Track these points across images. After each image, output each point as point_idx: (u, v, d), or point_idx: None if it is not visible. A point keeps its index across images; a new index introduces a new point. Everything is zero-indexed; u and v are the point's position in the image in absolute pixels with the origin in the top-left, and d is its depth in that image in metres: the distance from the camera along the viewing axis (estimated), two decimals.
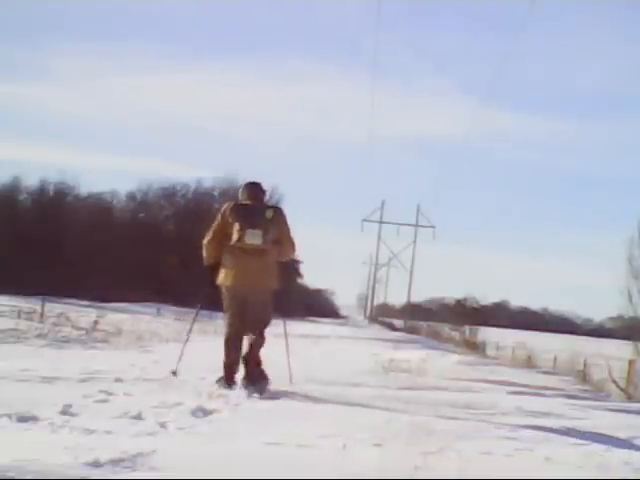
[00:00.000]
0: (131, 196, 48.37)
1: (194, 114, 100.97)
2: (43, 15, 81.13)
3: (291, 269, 41.52)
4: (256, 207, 6.26)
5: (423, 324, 49.81)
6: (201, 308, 7.04)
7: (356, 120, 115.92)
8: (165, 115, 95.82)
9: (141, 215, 48.12)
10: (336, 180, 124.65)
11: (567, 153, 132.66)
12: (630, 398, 11.30)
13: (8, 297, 23.18)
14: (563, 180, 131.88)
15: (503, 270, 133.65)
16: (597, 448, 4.45)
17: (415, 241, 59.58)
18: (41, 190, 42.68)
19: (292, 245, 6.40)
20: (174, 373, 6.36)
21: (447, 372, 10.77)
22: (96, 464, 3.24)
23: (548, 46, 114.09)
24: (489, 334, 33.23)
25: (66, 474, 3.07)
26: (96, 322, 15.96)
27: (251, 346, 6.14)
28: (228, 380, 6.03)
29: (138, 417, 4.48)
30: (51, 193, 43.11)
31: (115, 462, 3.29)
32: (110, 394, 5.28)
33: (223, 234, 6.21)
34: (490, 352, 25.39)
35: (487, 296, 58.98)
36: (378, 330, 43.28)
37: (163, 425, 4.29)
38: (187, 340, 6.87)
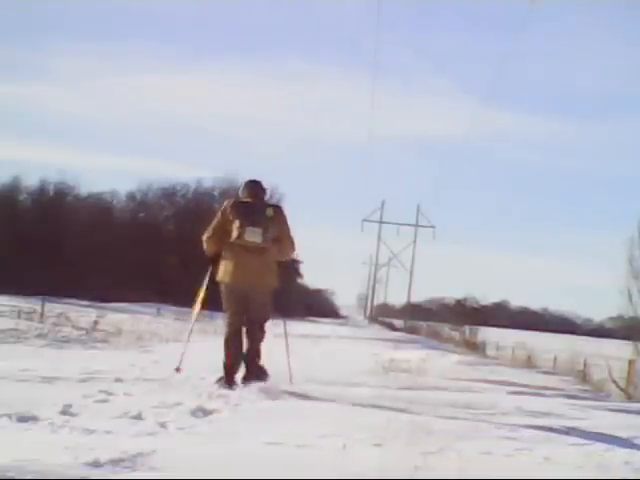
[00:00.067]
0: (131, 196, 48.43)
1: (194, 114, 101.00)
2: (43, 15, 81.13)
3: (291, 269, 41.54)
4: (256, 205, 6.27)
5: (423, 324, 49.79)
6: (202, 307, 7.04)
7: (356, 120, 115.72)
8: (165, 115, 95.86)
9: (141, 215, 48.15)
10: (336, 180, 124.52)
11: (567, 153, 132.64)
12: (630, 398, 11.30)
13: (8, 297, 23.20)
14: (563, 180, 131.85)
15: (503, 270, 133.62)
16: (597, 448, 4.45)
17: (415, 241, 59.73)
18: (41, 190, 42.73)
19: (292, 244, 6.41)
20: (178, 370, 6.37)
21: (447, 372, 10.77)
22: (96, 464, 3.24)
23: (548, 46, 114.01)
24: (489, 334, 33.20)
25: (66, 474, 3.07)
26: (96, 322, 15.97)
27: (251, 340, 6.18)
28: (228, 380, 6.04)
29: (138, 417, 4.48)
30: (51, 193, 43.16)
31: (115, 462, 3.29)
32: (110, 394, 5.27)
33: (223, 231, 6.22)
34: (490, 352, 25.37)
35: (487, 296, 58.91)
36: (378, 330, 43.29)
37: (163, 425, 4.29)
38: (190, 334, 6.88)
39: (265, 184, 6.62)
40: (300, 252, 36.46)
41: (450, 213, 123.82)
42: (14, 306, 19.01)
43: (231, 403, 5.29)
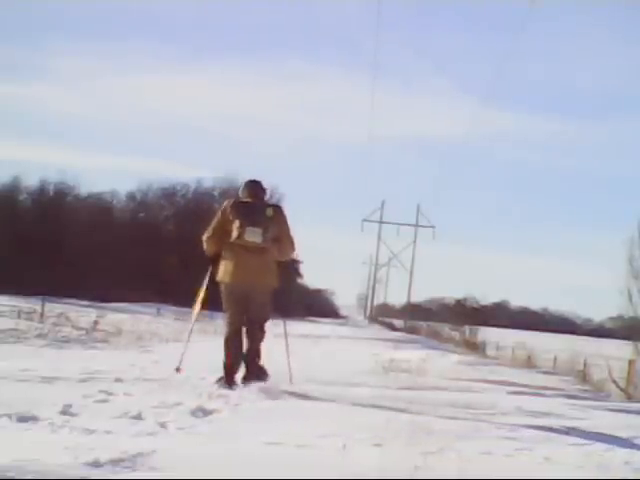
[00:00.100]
0: (131, 196, 48.43)
1: (194, 114, 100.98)
2: (43, 15, 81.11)
3: (291, 269, 41.53)
4: (256, 205, 6.28)
5: (423, 324, 49.79)
6: (202, 307, 7.05)
7: (356, 120, 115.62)
8: (165, 115, 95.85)
9: (141, 215, 48.15)
10: (336, 180, 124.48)
11: (567, 153, 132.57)
12: (630, 398, 11.30)
13: (8, 297, 23.20)
14: (563, 180, 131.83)
15: (503, 270, 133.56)
16: (597, 448, 4.45)
17: (415, 241, 59.73)
18: (41, 190, 42.73)
19: (292, 244, 6.42)
20: (178, 370, 6.37)
21: (447, 372, 10.77)
22: (96, 464, 3.24)
23: (548, 46, 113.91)
24: (489, 334, 33.20)
25: (66, 474, 3.07)
26: (96, 322, 15.98)
27: (251, 340, 6.18)
28: (228, 380, 6.05)
29: (138, 417, 4.48)
30: (51, 193, 43.16)
31: (115, 462, 3.29)
32: (110, 394, 5.28)
33: (223, 231, 6.23)
34: (490, 352, 25.37)
35: (487, 296, 58.94)
36: (378, 330, 43.29)
37: (163, 425, 4.29)
38: (190, 334, 6.89)
39: (265, 184, 6.62)
40: (300, 252, 36.45)
41: (450, 213, 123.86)
42: (14, 306, 19.02)
43: (231, 403, 5.29)
